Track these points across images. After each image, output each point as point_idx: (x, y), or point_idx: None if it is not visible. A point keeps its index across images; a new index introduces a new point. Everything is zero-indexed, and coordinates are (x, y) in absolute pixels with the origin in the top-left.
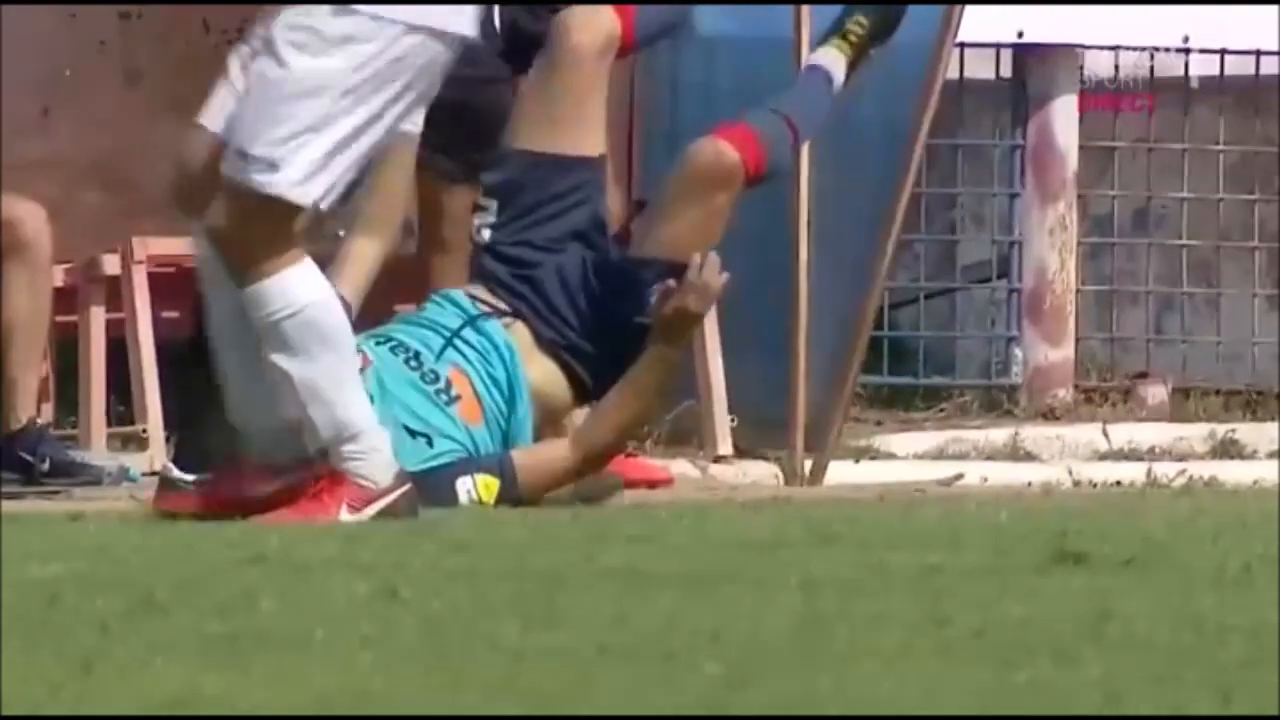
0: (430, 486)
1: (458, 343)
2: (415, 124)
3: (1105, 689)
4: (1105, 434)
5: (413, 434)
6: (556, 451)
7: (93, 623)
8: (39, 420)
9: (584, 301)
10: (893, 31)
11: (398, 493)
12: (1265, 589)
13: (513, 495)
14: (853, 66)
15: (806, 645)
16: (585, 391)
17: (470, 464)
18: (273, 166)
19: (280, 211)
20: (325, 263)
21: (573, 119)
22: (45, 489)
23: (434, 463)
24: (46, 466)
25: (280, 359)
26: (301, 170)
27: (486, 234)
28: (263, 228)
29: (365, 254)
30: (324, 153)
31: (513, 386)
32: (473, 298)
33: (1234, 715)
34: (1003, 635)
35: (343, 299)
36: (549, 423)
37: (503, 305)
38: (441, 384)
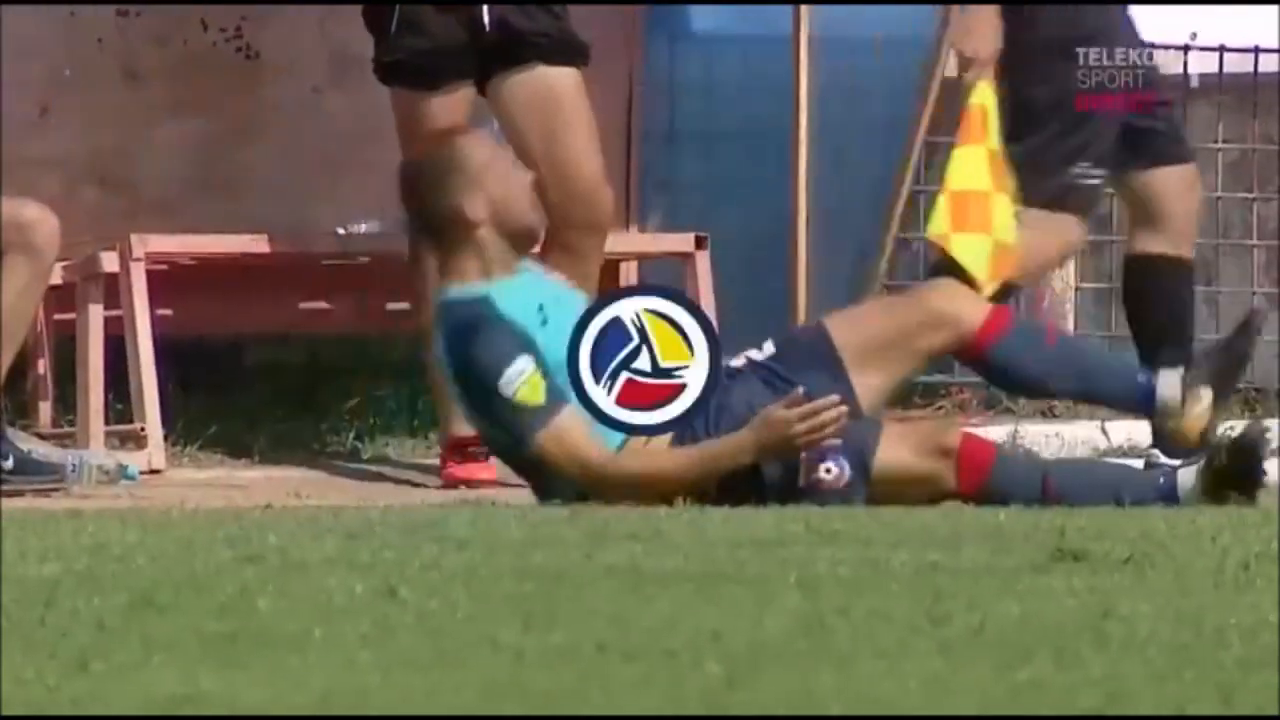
0: (492, 335)
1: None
2: (1091, 177)
3: (1105, 688)
4: (1104, 431)
5: (540, 308)
6: (592, 450)
7: (91, 622)
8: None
9: (721, 426)
10: (1255, 481)
11: None
12: (1265, 587)
13: (531, 441)
14: (1202, 494)
15: (807, 644)
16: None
17: (541, 363)
18: None
19: None
20: None
21: (877, 349)
22: (9, 488)
23: (518, 322)
24: (10, 464)
25: None
26: None
27: (741, 361)
28: None
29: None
30: None
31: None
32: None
33: (1234, 715)
34: (1002, 633)
35: None
36: None
37: None
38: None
